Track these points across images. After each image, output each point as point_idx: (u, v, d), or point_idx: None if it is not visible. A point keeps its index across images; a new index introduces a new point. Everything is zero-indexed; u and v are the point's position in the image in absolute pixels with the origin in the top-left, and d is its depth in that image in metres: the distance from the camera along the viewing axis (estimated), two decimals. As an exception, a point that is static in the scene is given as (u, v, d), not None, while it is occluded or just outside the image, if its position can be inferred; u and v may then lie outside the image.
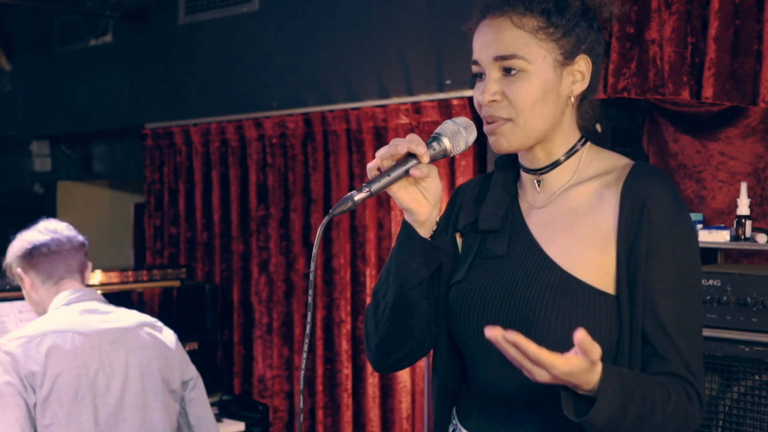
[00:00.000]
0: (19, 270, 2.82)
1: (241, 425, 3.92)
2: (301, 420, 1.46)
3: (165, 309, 4.11)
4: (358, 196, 1.55)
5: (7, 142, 6.44)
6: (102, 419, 2.65)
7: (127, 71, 5.48)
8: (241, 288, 4.73)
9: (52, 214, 6.17)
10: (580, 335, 1.39)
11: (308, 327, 1.52)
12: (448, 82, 3.85)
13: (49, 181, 6.57)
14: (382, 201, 4.09)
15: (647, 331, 1.59)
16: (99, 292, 2.96)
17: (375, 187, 1.57)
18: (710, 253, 3.07)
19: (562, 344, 1.58)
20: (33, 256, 2.80)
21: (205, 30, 4.96)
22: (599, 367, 1.45)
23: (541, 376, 1.42)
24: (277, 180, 4.55)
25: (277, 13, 4.57)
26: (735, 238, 2.78)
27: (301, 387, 1.50)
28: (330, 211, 1.52)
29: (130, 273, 4.12)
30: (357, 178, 4.19)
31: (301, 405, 1.49)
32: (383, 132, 4.08)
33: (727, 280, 2.61)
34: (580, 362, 1.41)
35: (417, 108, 3.94)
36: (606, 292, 1.61)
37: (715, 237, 2.77)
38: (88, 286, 2.91)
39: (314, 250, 1.51)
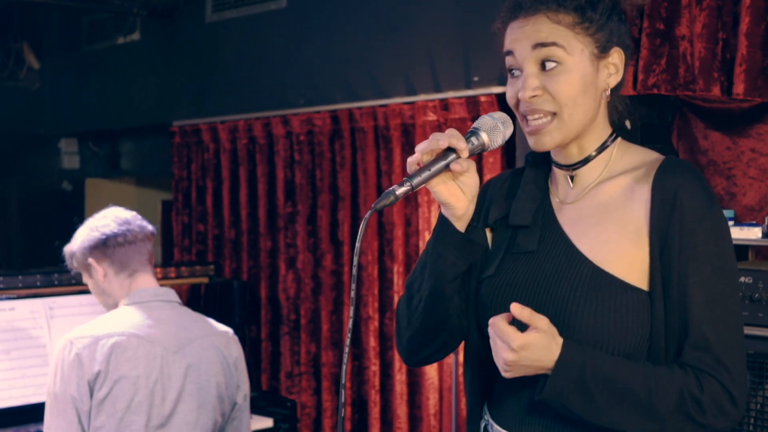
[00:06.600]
0: (91, 260, 2.72)
1: (269, 421, 3.93)
2: (343, 414, 1.47)
3: (193, 306, 4.10)
4: (400, 190, 1.56)
5: (36, 139, 6.49)
6: (152, 428, 2.61)
7: (154, 69, 5.51)
8: (268, 285, 4.74)
9: (80, 211, 6.22)
10: (515, 309, 1.50)
11: (351, 322, 1.54)
12: (475, 78, 3.84)
13: (77, 178, 6.61)
14: (410, 198, 4.09)
15: (678, 324, 1.59)
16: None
17: (416, 181, 1.59)
18: (741, 250, 3.05)
19: (594, 339, 1.58)
20: (108, 246, 2.70)
21: (232, 28, 4.98)
22: (559, 345, 1.52)
23: (506, 353, 1.51)
24: (304, 177, 4.56)
25: (305, 11, 4.58)
26: (766, 234, 2.76)
27: (343, 381, 1.51)
28: (373, 205, 1.55)
29: (158, 270, 4.13)
30: (384, 175, 4.19)
31: (342, 400, 1.51)
32: (411, 129, 4.08)
33: (758, 278, 2.59)
34: (533, 336, 1.51)
35: (444, 105, 3.94)
36: (638, 288, 1.60)
37: (747, 234, 2.75)
38: None
39: (357, 244, 1.54)
